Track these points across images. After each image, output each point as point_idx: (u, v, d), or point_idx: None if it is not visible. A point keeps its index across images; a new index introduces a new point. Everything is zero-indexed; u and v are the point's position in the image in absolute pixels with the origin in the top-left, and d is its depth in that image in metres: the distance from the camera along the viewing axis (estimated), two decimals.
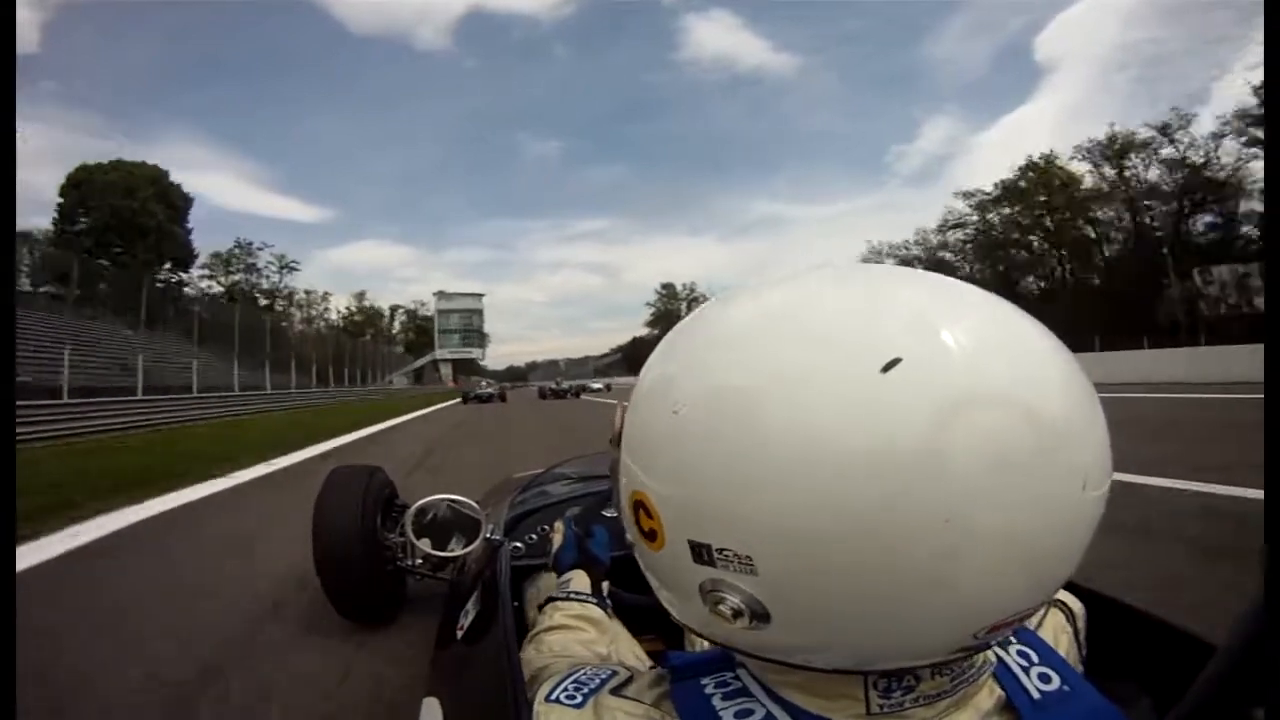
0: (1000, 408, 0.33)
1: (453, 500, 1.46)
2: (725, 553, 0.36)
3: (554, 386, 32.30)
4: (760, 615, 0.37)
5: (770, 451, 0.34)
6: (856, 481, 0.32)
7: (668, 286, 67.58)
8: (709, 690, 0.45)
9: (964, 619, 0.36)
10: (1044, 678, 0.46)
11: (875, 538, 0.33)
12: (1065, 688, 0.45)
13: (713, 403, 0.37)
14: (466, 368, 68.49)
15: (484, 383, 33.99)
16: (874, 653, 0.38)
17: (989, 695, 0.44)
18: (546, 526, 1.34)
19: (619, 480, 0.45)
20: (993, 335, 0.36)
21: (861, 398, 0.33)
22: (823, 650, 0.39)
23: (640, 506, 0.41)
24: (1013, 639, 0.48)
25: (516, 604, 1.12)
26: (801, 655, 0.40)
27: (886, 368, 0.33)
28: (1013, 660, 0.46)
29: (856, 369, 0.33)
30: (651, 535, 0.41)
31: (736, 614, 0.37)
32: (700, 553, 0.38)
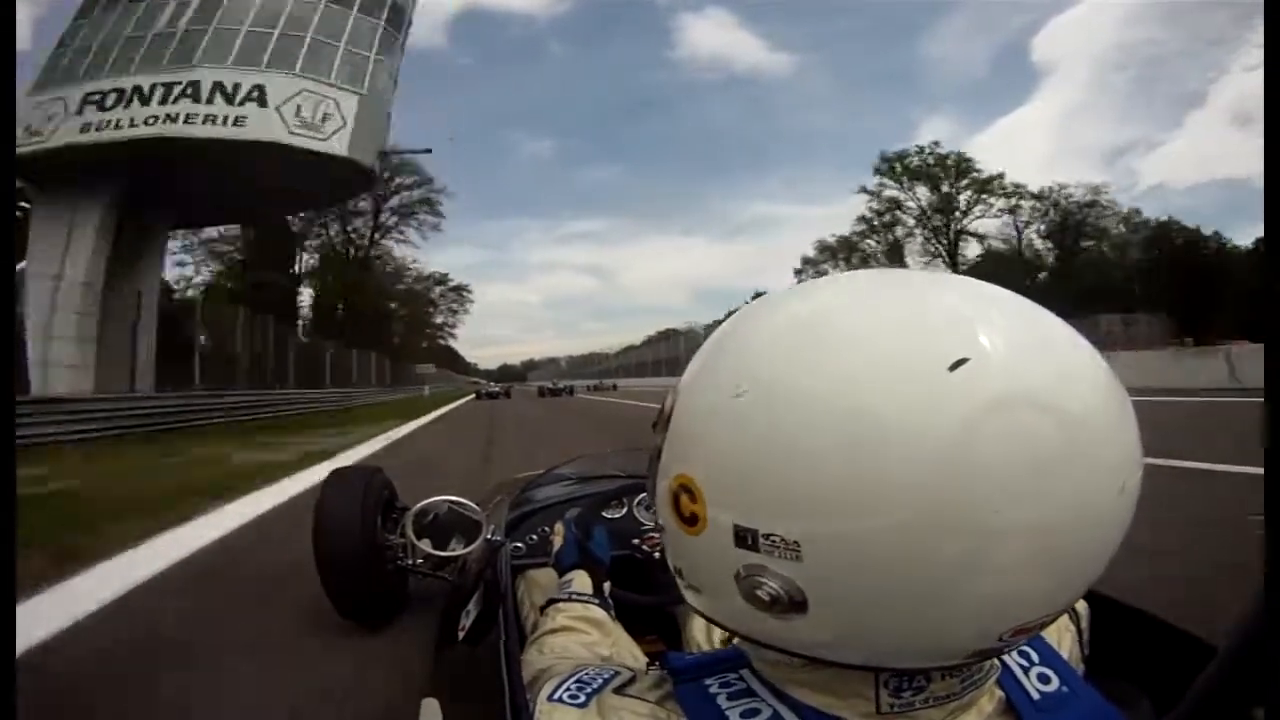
0: (1040, 409, 0.35)
1: (453, 501, 1.46)
2: (773, 538, 0.37)
3: (551, 386, 38.04)
4: (798, 604, 0.37)
5: (829, 441, 0.35)
6: (908, 476, 0.34)
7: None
8: (714, 690, 0.45)
9: (993, 620, 0.37)
10: (1043, 678, 0.46)
11: (919, 532, 0.34)
12: (1065, 689, 0.45)
13: (776, 388, 0.38)
14: (450, 365, 67.66)
15: (493, 384, 43.76)
16: (898, 650, 0.39)
17: (990, 697, 0.44)
18: (547, 527, 1.34)
19: (659, 465, 0.45)
20: (1032, 338, 0.38)
21: (918, 395, 0.34)
22: (849, 645, 0.39)
23: (684, 490, 0.41)
24: None
25: (517, 605, 1.12)
26: (826, 649, 0.40)
27: (954, 367, 0.34)
28: (1013, 661, 0.47)
29: (916, 368, 0.35)
30: (692, 520, 0.41)
31: (774, 601, 0.38)
32: (745, 537, 0.38)
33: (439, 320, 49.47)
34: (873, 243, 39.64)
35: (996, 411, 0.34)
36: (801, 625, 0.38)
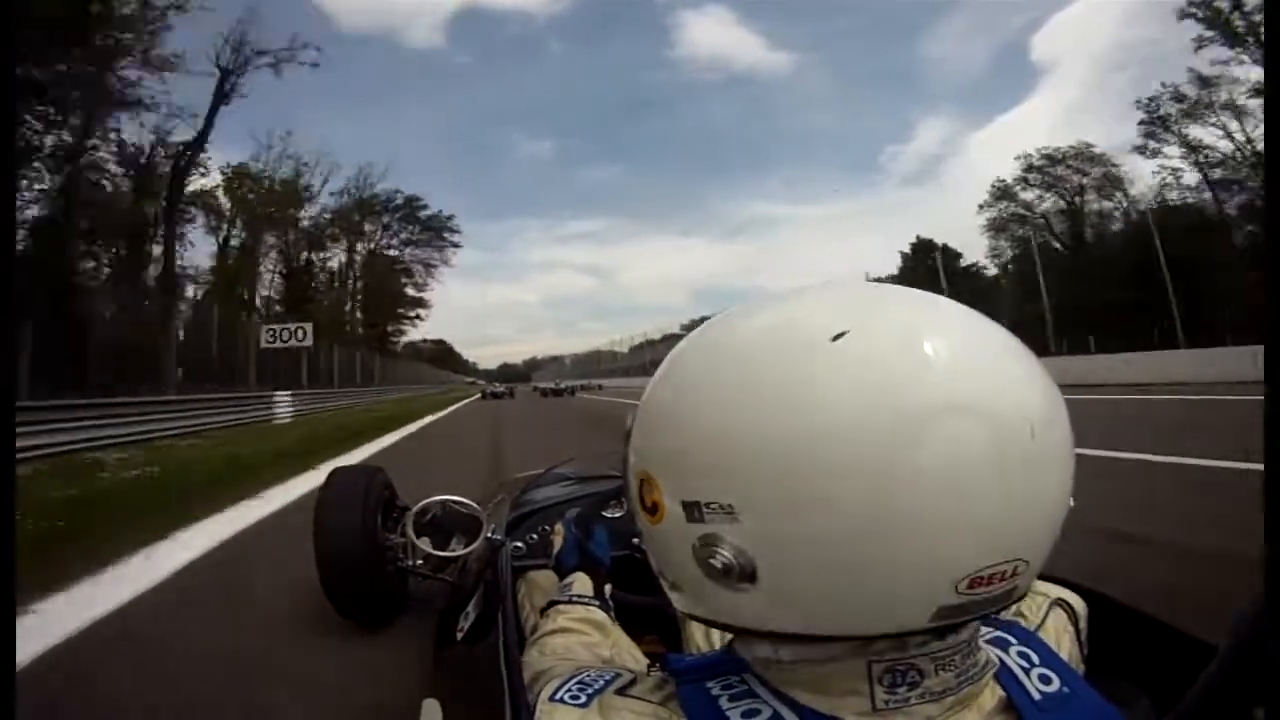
0: (947, 362, 0.39)
1: (453, 501, 1.46)
2: (712, 505, 0.41)
3: (553, 386, 37.64)
4: (748, 574, 0.40)
5: (734, 411, 0.41)
6: (809, 432, 0.38)
7: None
8: (715, 692, 0.46)
9: (939, 568, 0.38)
10: (1044, 679, 0.46)
11: (833, 485, 0.37)
12: (1065, 689, 0.46)
13: (704, 372, 0.45)
14: (451, 365, 67.33)
15: (497, 385, 45.33)
16: (860, 611, 0.40)
17: (991, 696, 0.44)
18: (547, 527, 1.34)
19: (628, 470, 0.49)
20: (930, 321, 0.42)
21: (801, 362, 0.40)
22: (812, 611, 0.40)
23: (644, 483, 0.46)
24: (1013, 640, 0.49)
25: (517, 606, 1.12)
26: (794, 621, 0.41)
27: (836, 337, 0.40)
28: (1014, 661, 0.47)
29: (807, 340, 0.40)
30: (654, 509, 0.46)
31: (726, 570, 0.41)
32: (692, 511, 0.42)
33: (412, 292, 39.66)
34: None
35: (899, 367, 0.38)
36: (760, 597, 0.41)
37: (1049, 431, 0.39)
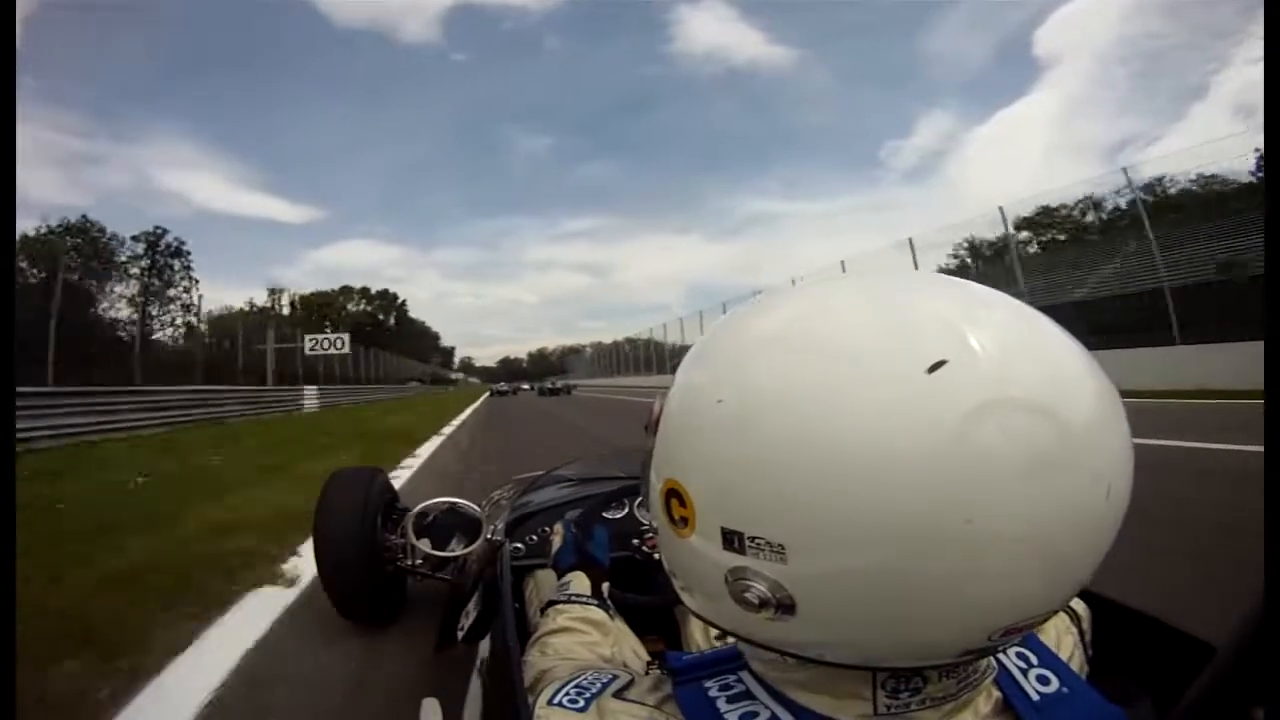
0: (1028, 412, 0.34)
1: (453, 502, 1.46)
2: (758, 540, 0.37)
3: (550, 386, 39.39)
4: (785, 606, 0.38)
5: (808, 446, 0.35)
6: (889, 479, 0.34)
7: None
8: (713, 693, 0.45)
9: (981, 619, 0.37)
10: (1043, 680, 0.46)
11: (903, 533, 0.34)
12: (1064, 689, 0.45)
13: (757, 397, 0.38)
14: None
15: (502, 384, 52.81)
16: (890, 649, 0.39)
17: (986, 698, 0.44)
18: (547, 528, 1.34)
19: (650, 468, 0.46)
20: (1020, 339, 0.37)
21: (899, 399, 0.34)
22: (841, 645, 0.39)
23: (674, 494, 0.42)
24: None
25: (517, 605, 1.12)
26: (817, 649, 0.40)
27: (932, 369, 0.34)
28: (1011, 662, 0.47)
29: (895, 371, 0.35)
30: (682, 523, 0.42)
31: (762, 603, 0.38)
32: (732, 540, 0.38)
33: None
34: None
35: (983, 414, 0.34)
36: (792, 626, 0.39)
37: (1122, 490, 0.37)
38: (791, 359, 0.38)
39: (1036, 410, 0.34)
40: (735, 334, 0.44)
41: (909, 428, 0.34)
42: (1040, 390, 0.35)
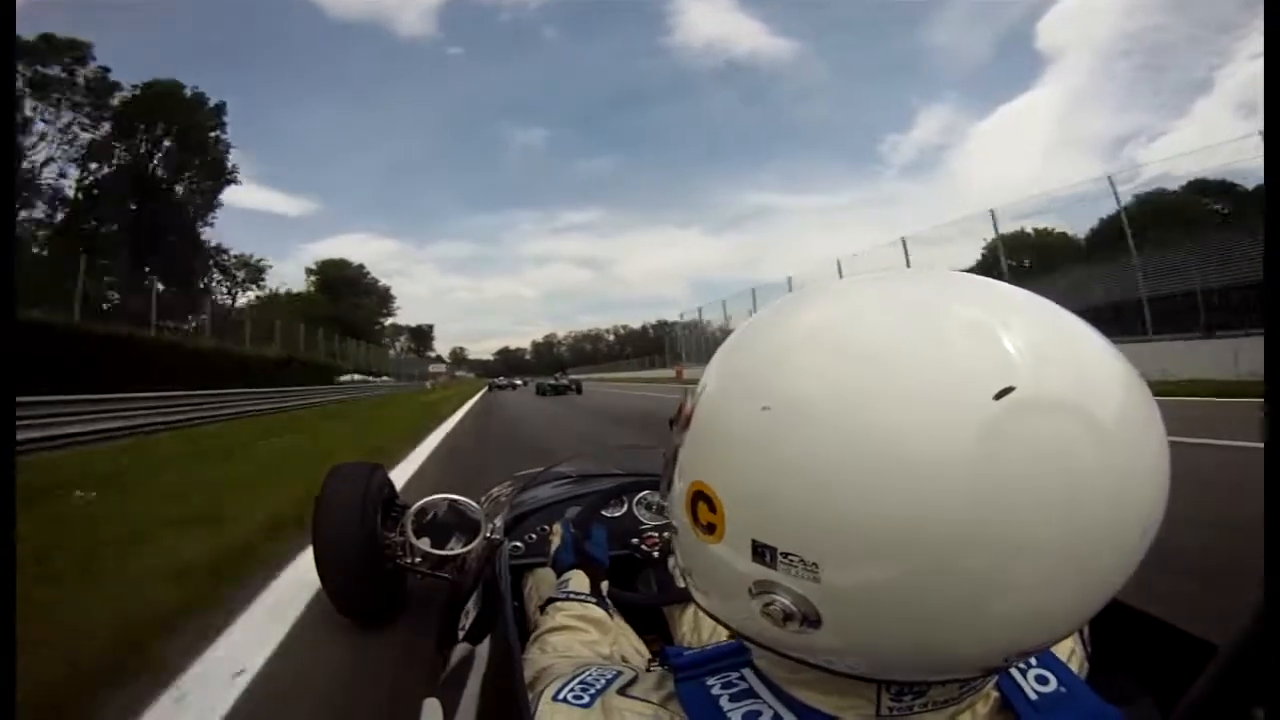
0: (1070, 423, 0.34)
1: (453, 500, 1.46)
2: (791, 557, 0.36)
3: (552, 382, 27.36)
4: (811, 621, 0.37)
5: (856, 466, 0.34)
6: (939, 505, 0.33)
7: None
8: (716, 691, 0.45)
9: (1006, 641, 0.37)
10: (1041, 679, 0.46)
11: (946, 556, 0.33)
12: (1063, 689, 0.45)
13: (802, 407, 0.36)
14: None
15: (501, 379, 52.62)
16: (910, 664, 0.38)
17: (985, 698, 0.44)
18: (546, 526, 1.34)
19: (676, 466, 0.44)
20: (1061, 346, 0.36)
21: (956, 424, 0.33)
22: (858, 658, 0.39)
23: (703, 497, 0.40)
24: None
25: (517, 604, 1.12)
26: (833, 659, 0.40)
27: (999, 396, 0.33)
28: None
29: (957, 398, 0.33)
30: (709, 528, 0.40)
31: (788, 618, 0.37)
32: (763, 554, 0.37)
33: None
34: None
35: (1026, 428, 0.33)
36: (814, 639, 0.38)
37: (1156, 497, 0.37)
38: (838, 370, 0.36)
39: (1078, 420, 0.34)
40: (778, 333, 0.42)
41: (962, 454, 0.33)
42: (1080, 399, 0.34)
